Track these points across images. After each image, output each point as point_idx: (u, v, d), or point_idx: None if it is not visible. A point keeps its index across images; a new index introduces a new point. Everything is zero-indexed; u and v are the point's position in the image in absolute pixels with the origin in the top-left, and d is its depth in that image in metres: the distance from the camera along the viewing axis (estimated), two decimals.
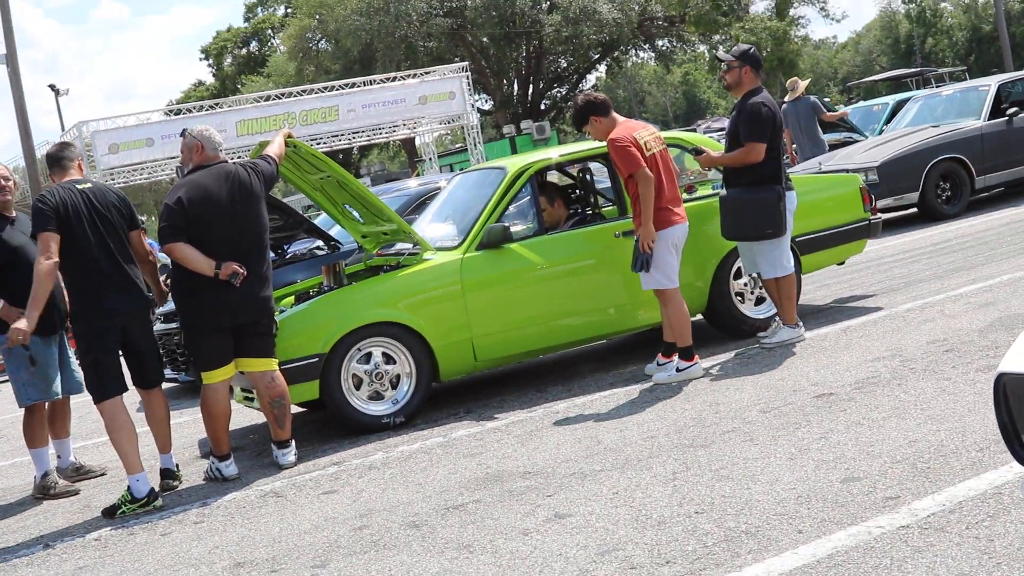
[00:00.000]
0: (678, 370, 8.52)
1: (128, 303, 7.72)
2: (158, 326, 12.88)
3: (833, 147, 19.13)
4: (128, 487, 7.55)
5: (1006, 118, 17.07)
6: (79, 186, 7.77)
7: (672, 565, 4.89)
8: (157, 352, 8.12)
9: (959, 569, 4.33)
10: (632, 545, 5.22)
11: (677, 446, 6.75)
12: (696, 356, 8.60)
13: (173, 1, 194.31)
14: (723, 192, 9.16)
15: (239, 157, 18.55)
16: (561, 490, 6.28)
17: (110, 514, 7.46)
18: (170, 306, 12.52)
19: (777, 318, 9.35)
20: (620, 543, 5.27)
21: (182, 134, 8.24)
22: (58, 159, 8.05)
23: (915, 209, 16.75)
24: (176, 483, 8.00)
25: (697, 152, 9.37)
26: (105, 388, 7.67)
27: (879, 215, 10.72)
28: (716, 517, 5.39)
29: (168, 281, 8.20)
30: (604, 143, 8.81)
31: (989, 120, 17.11)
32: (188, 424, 10.40)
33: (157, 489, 7.70)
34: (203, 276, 7.68)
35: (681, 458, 6.48)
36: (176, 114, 34.74)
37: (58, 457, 8.84)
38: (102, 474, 8.74)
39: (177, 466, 8.09)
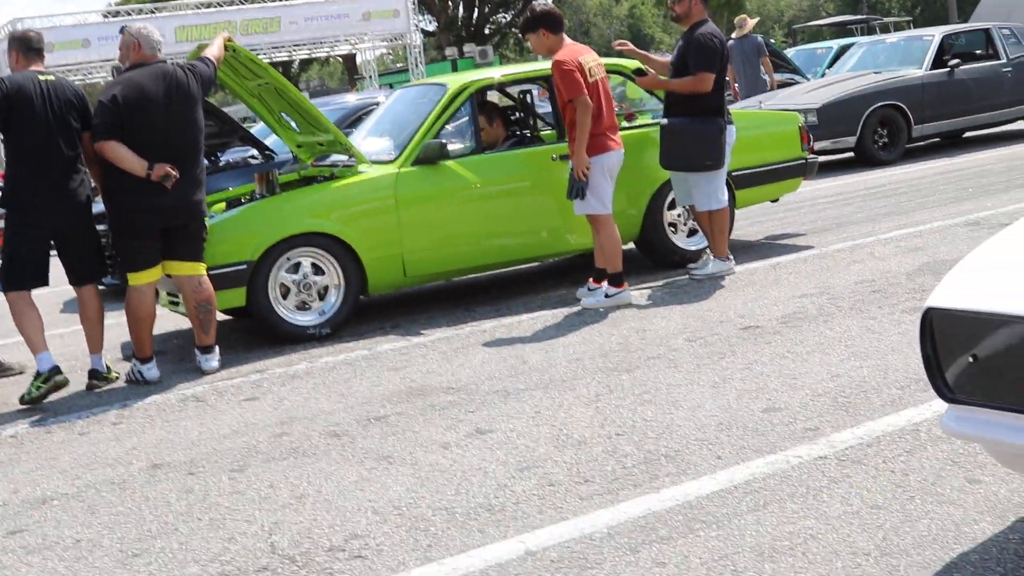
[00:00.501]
0: (607, 296, 8.52)
1: (65, 203, 7.61)
2: None
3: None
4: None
5: (947, 69, 17.15)
6: (41, 77, 7.63)
7: (590, 484, 4.90)
8: (93, 251, 7.98)
9: (873, 500, 4.37)
10: (551, 463, 5.23)
11: (601, 369, 6.76)
12: (626, 283, 8.59)
13: None
14: (664, 121, 9.13)
15: (178, 61, 18.32)
16: (484, 407, 6.27)
17: (25, 401, 7.41)
18: (99, 207, 12.38)
19: (708, 250, 9.36)
20: (540, 460, 5.28)
21: (121, 31, 8.08)
22: (36, 47, 7.86)
23: (852, 153, 16.82)
24: (102, 384, 7.89)
25: (640, 73, 9.33)
26: (16, 279, 7.63)
27: (815, 155, 10.75)
28: (636, 440, 5.41)
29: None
30: (547, 66, 8.74)
31: (931, 70, 17.18)
32: (112, 327, 10.20)
33: (85, 389, 7.64)
34: (134, 176, 7.55)
35: (605, 381, 6.49)
36: (115, 16, 34.21)
37: None
38: (20, 372, 8.62)
39: (108, 368, 7.97)
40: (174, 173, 7.54)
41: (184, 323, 9.46)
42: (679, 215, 9.75)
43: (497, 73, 9.88)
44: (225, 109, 24.30)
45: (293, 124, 9.85)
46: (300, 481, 5.40)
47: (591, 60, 8.61)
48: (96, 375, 7.93)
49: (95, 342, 7.93)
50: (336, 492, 5.18)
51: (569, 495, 4.80)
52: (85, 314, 7.92)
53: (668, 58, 9.69)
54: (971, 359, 3.55)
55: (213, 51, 8.33)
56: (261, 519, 4.95)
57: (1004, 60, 17.78)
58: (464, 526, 4.60)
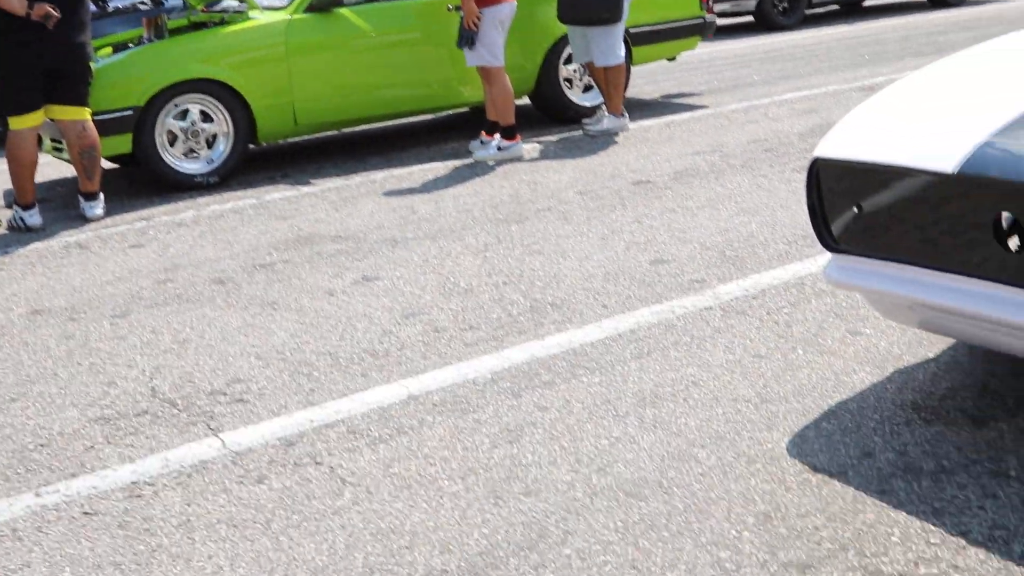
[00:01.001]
0: (499, 148, 8.45)
1: None
2: None
3: None
4: None
5: None
6: None
7: (476, 331, 4.88)
8: None
9: (756, 350, 4.40)
10: (437, 310, 5.20)
11: (491, 220, 6.73)
12: (518, 136, 8.53)
13: None
14: None
15: None
16: (371, 255, 6.21)
17: None
18: None
19: (603, 107, 9.31)
20: (425, 307, 5.25)
21: None
22: None
23: (751, 17, 16.79)
24: None
25: None
26: None
27: (714, 15, 10.69)
28: (523, 288, 5.39)
29: None
30: None
31: None
32: None
33: None
34: (14, 15, 7.31)
35: (494, 231, 6.46)
36: None
37: None
38: None
39: None
40: (55, 13, 7.32)
41: (69, 171, 9.27)
42: (575, 70, 9.67)
43: None
44: None
45: None
46: (183, 327, 5.32)
47: None
48: None
49: None
50: (219, 337, 5.12)
51: (454, 341, 4.78)
52: None
53: None
54: (855, 210, 3.57)
55: None
56: (142, 364, 4.88)
57: None
58: (347, 370, 4.56)
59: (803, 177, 6.81)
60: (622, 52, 9.02)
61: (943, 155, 3.28)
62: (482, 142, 8.61)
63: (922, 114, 3.70)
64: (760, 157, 7.76)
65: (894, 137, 3.56)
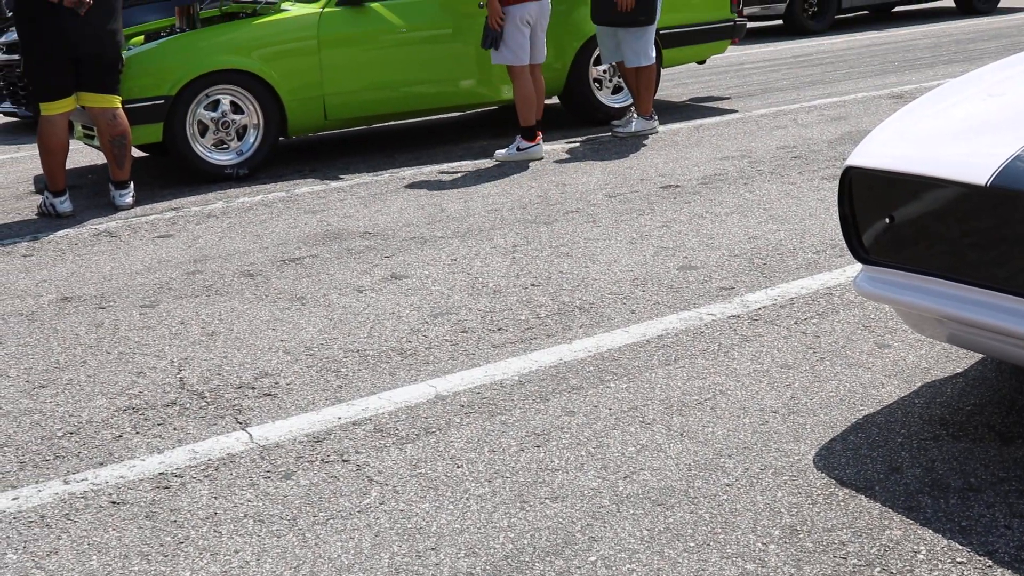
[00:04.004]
0: (519, 149, 8.45)
1: None
2: None
3: None
4: None
5: None
6: None
7: (504, 332, 4.90)
8: None
9: (783, 360, 4.40)
10: (466, 310, 5.21)
11: (520, 220, 6.74)
12: (539, 137, 8.53)
13: None
14: None
15: None
16: (400, 252, 6.23)
17: None
18: (13, 36, 12.07)
19: (632, 108, 9.31)
20: (454, 307, 5.27)
21: None
22: None
23: (781, 21, 16.77)
24: None
25: None
26: None
27: (744, 18, 10.69)
28: (552, 291, 5.40)
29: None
30: None
31: None
32: (25, 159, 10.08)
33: None
34: (46, 2, 7.35)
35: (523, 232, 6.47)
36: None
37: None
38: None
39: None
40: (87, 0, 7.34)
41: (99, 158, 9.31)
42: (604, 71, 9.67)
43: None
44: None
45: None
46: (212, 319, 5.35)
47: None
48: None
49: None
50: (248, 331, 5.15)
51: (482, 342, 4.80)
52: None
53: None
54: (887, 220, 3.57)
55: None
56: (171, 355, 4.91)
57: None
58: (375, 368, 4.58)
59: (832, 185, 6.85)
60: (653, 53, 9.02)
61: (975, 167, 3.29)
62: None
63: (955, 126, 3.70)
64: (789, 164, 7.75)
65: (927, 148, 3.57)
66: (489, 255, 6.07)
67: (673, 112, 10.06)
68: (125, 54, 8.03)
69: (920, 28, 16.48)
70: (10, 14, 16.53)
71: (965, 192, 3.31)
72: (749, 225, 6.34)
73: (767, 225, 6.31)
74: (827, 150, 8.10)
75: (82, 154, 9.59)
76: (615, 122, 9.34)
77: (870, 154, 3.67)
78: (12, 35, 12.41)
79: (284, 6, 8.69)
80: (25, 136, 11.36)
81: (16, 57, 11.51)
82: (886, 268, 3.63)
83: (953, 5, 18.56)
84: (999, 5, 18.59)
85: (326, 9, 8.65)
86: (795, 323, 4.81)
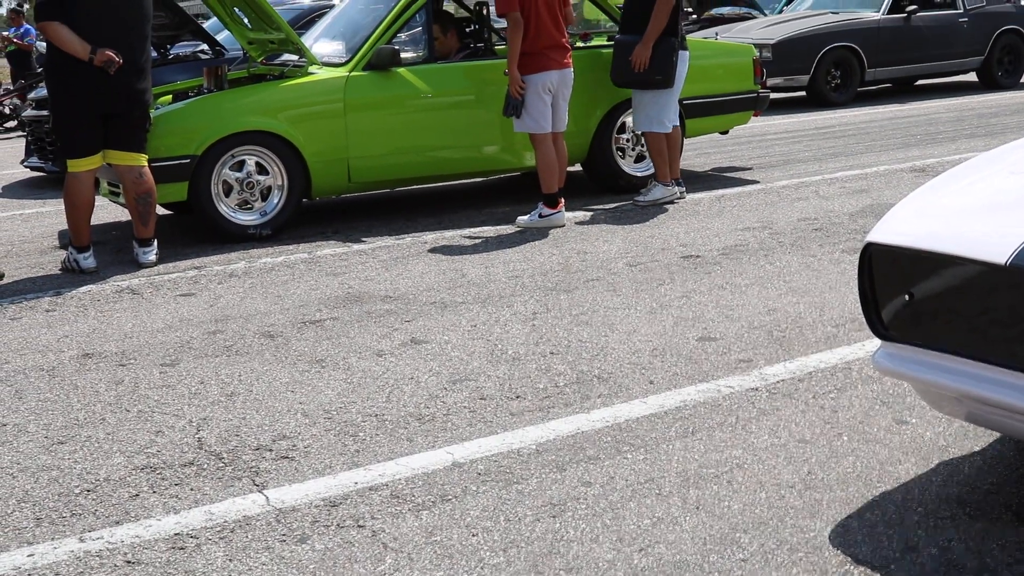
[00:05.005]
0: (540, 216, 8.48)
1: None
2: (28, 112, 12.56)
3: (732, 21, 19.13)
4: None
5: (904, 14, 17.19)
6: None
7: (522, 400, 4.91)
8: None
9: (801, 435, 4.40)
10: (484, 377, 5.23)
11: (540, 288, 6.76)
12: (561, 204, 8.55)
13: None
14: (618, 37, 9.08)
15: None
16: (420, 317, 6.25)
17: None
18: (43, 92, 12.21)
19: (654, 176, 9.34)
20: (473, 374, 5.28)
21: None
22: None
23: (804, 92, 16.84)
24: None
25: (629, 48, 8.99)
26: None
27: (768, 90, 10.74)
28: (571, 360, 5.41)
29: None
30: None
31: (888, 14, 17.20)
32: (51, 214, 10.17)
33: None
34: (77, 59, 7.43)
35: (543, 299, 6.49)
36: None
37: None
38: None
39: None
40: (117, 59, 7.43)
41: (124, 215, 9.38)
42: (628, 139, 9.71)
43: None
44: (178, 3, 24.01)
45: (245, 20, 9.74)
46: (231, 379, 5.37)
47: None
48: None
49: None
50: (267, 392, 5.16)
51: (500, 410, 4.81)
52: None
53: None
54: (907, 297, 3.57)
55: None
56: (190, 414, 4.93)
57: (961, 10, 17.85)
58: (393, 434, 4.59)
59: (852, 258, 6.86)
60: (670, 122, 9.03)
61: (995, 246, 3.30)
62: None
63: (976, 202, 3.71)
64: (810, 236, 7.77)
65: (947, 225, 3.58)
66: (509, 321, 6.09)
67: (695, 181, 10.10)
68: (153, 113, 8.12)
69: (943, 102, 16.54)
70: (40, 69, 16.73)
71: (984, 271, 3.32)
72: (769, 297, 6.35)
73: (787, 297, 6.32)
74: (848, 223, 8.12)
75: (106, 210, 9.67)
76: (638, 194, 9.32)
77: (890, 230, 3.68)
78: (42, 91, 12.56)
79: (311, 69, 8.77)
80: (51, 191, 11.46)
81: (45, 113, 11.63)
82: (905, 345, 3.63)
83: (975, 79, 18.63)
84: (1022, 80, 18.64)
85: (353, 73, 8.73)
86: (813, 397, 4.81)
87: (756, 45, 13.12)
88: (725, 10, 19.92)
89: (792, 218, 8.39)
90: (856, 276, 3.75)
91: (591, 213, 8.93)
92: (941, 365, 3.50)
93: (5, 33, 22.60)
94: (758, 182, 10.04)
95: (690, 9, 20.37)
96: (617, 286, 6.72)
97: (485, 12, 9.99)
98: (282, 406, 4.97)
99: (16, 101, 19.38)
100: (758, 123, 13.41)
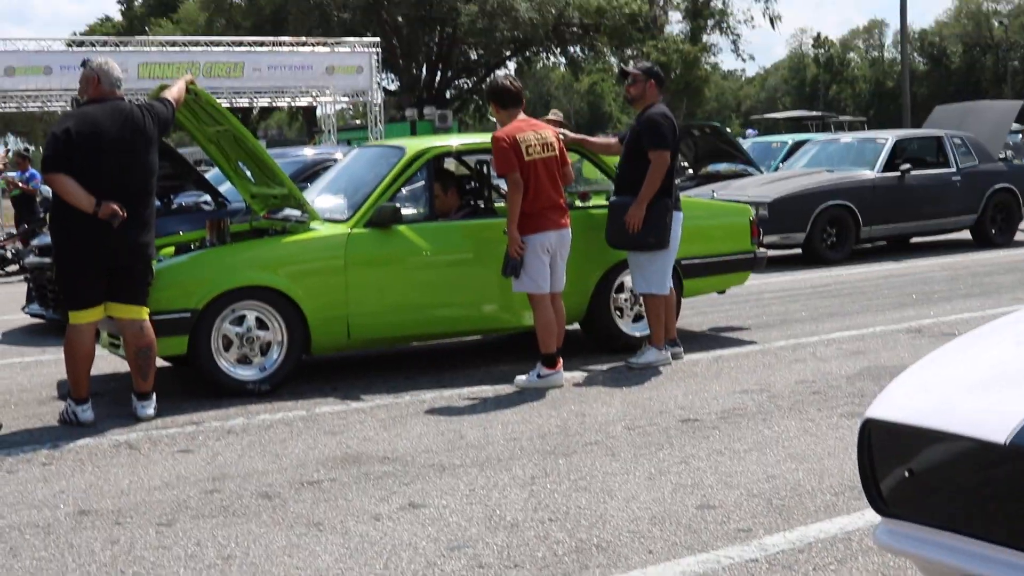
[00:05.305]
0: (539, 376, 8.50)
1: None
2: (31, 259, 12.67)
3: (728, 177, 19.36)
4: None
5: (899, 173, 17.40)
6: None
7: (520, 569, 4.88)
8: None
9: None
10: (483, 544, 5.20)
11: (539, 451, 6.75)
12: (559, 364, 8.58)
13: None
14: (613, 199, 9.20)
15: (138, 99, 18.23)
16: (418, 480, 6.24)
17: None
18: (46, 239, 12.33)
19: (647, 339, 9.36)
20: (471, 540, 5.26)
21: (83, 65, 8.06)
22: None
23: (799, 250, 16.98)
24: None
25: (623, 209, 9.06)
26: None
27: (765, 250, 10.84)
28: (569, 527, 5.39)
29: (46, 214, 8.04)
30: None
31: (882, 173, 17.42)
32: (50, 363, 10.19)
33: None
34: (82, 212, 7.52)
35: (541, 463, 6.48)
36: (79, 46, 34.13)
37: None
38: None
39: None
40: (122, 213, 7.51)
41: (122, 366, 9.39)
42: (626, 299, 9.77)
43: (455, 141, 9.95)
44: (181, 150, 24.37)
45: (249, 174, 9.86)
46: (228, 541, 5.35)
47: (533, 138, 8.58)
48: None
49: None
50: (264, 556, 5.14)
51: None
52: None
53: (610, 140, 9.86)
54: (907, 473, 3.58)
55: (173, 93, 8.32)
56: None
57: (954, 169, 18.09)
58: None
59: (851, 424, 6.88)
60: (665, 284, 9.10)
61: (994, 424, 3.31)
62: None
63: (977, 376, 3.73)
64: (808, 400, 7.79)
65: (946, 401, 3.60)
66: (508, 486, 6.08)
67: (692, 341, 10.14)
68: (155, 266, 8.18)
69: (937, 260, 16.68)
70: (43, 214, 16.95)
71: (983, 449, 3.34)
72: (768, 463, 6.34)
73: (786, 464, 6.32)
74: (846, 386, 8.15)
75: (105, 360, 9.68)
76: (632, 357, 9.36)
77: (889, 405, 3.70)
78: (45, 237, 12.67)
79: (313, 224, 8.86)
80: (51, 338, 11.49)
81: (47, 260, 11.74)
82: (906, 521, 3.63)
83: (970, 237, 18.80)
84: (1015, 238, 18.82)
85: (354, 230, 8.81)
86: (813, 569, 4.79)
87: (752, 203, 13.29)
88: (721, 167, 20.14)
89: (790, 381, 8.42)
90: (855, 443, 3.76)
91: (589, 373, 8.95)
92: (942, 543, 3.50)
93: (11, 176, 22.84)
94: (755, 342, 10.09)
95: (686, 164, 20.61)
96: (616, 450, 6.71)
97: (485, 170, 10.13)
98: (279, 571, 4.94)
99: (18, 245, 19.52)
100: (755, 281, 13.47)
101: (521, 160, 8.45)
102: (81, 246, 7.65)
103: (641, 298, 9.29)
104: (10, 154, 27.17)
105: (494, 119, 9.07)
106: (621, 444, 6.85)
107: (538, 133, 8.67)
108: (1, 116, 30.16)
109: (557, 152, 8.73)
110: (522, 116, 8.76)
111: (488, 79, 59.96)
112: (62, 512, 5.88)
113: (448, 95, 58.45)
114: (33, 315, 12.50)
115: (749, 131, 40.50)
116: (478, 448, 6.87)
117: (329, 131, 37.24)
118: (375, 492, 6.04)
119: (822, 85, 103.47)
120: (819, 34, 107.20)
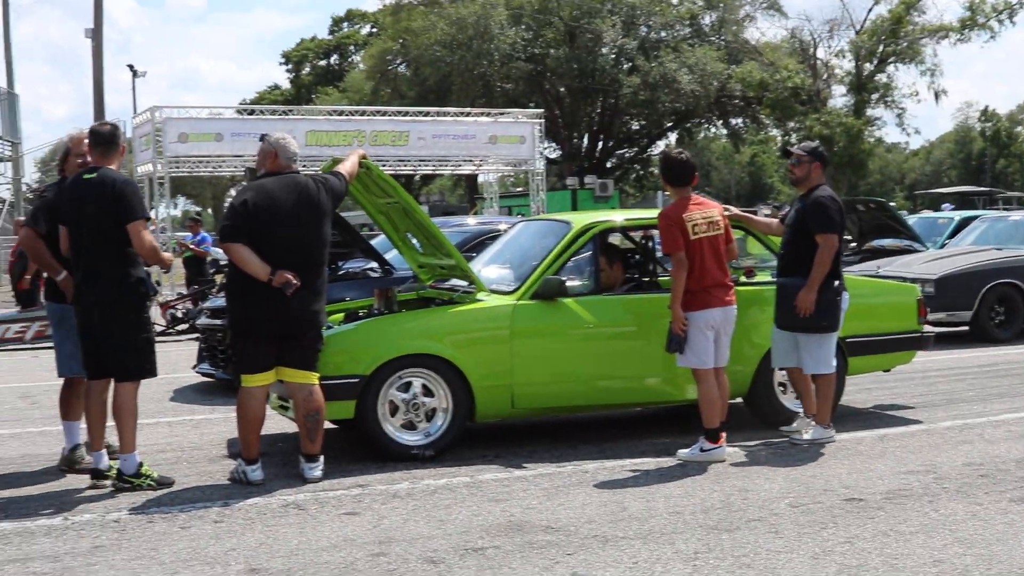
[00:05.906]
0: (702, 450, 8.50)
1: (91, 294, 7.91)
2: (203, 320, 13.05)
3: (893, 253, 19.11)
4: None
5: None
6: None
7: None
8: (119, 347, 7.92)
9: None
10: None
11: (702, 526, 6.75)
12: (722, 439, 8.57)
13: (257, 2, 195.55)
14: (781, 281, 9.17)
15: (304, 167, 18.64)
16: (581, 550, 6.28)
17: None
18: (217, 301, 12.72)
19: (804, 415, 9.30)
20: None
21: (261, 139, 8.36)
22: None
23: (966, 328, 16.69)
24: (103, 483, 8.04)
25: (791, 291, 9.03)
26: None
27: (932, 329, 10.70)
28: None
29: (222, 280, 8.31)
30: None
31: None
32: (220, 421, 10.48)
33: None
34: (256, 280, 7.76)
35: (705, 539, 6.48)
36: (249, 114, 35.17)
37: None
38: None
39: (110, 467, 8.10)
40: (295, 281, 7.73)
41: (291, 426, 9.61)
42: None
43: (620, 216, 10.03)
44: (345, 214, 24.90)
45: (416, 244, 10.07)
46: None
47: (699, 216, 8.64)
48: (97, 474, 8.11)
49: (96, 438, 8.14)
50: None
51: None
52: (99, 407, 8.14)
53: (772, 220, 9.85)
54: None
55: (347, 166, 8.58)
56: None
57: None
58: None
59: (1020, 508, 6.78)
60: (834, 362, 9.09)
61: None
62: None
63: None
64: (976, 483, 7.66)
65: None
66: (671, 560, 6.08)
67: (857, 419, 10.04)
68: (325, 332, 8.38)
69: None
70: (212, 272, 17.49)
71: None
72: (935, 547, 6.25)
73: (953, 548, 6.22)
74: (1015, 470, 7.99)
75: (273, 421, 9.89)
76: (785, 428, 9.33)
77: None
78: (217, 300, 13.07)
79: (479, 295, 9.00)
80: (221, 397, 11.82)
81: (218, 322, 12.10)
82: None
83: None
84: None
85: (520, 302, 8.94)
86: None
87: (919, 280, 13.14)
88: (886, 242, 19.88)
89: (957, 462, 8.28)
90: None
91: (751, 449, 8.91)
92: None
93: (182, 239, 23.56)
94: (921, 422, 9.95)
95: (849, 238, 20.38)
96: (780, 528, 6.68)
97: (650, 245, 10.19)
98: None
99: (189, 305, 20.09)
100: (921, 359, 13.25)
101: (687, 239, 8.51)
102: (255, 313, 7.89)
103: (814, 380, 9.18)
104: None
105: (666, 192, 9.14)
106: (785, 522, 6.81)
107: (704, 212, 8.72)
108: (172, 179, 30.95)
109: (722, 230, 8.76)
110: (691, 194, 8.79)
111: (652, 149, 60.42)
112: (233, 570, 6.04)
113: (609, 164, 58.75)
114: (203, 374, 12.87)
115: (945, 205, 39.86)
116: (641, 520, 6.89)
117: (491, 198, 37.70)
118: (539, 561, 6.09)
119: (989, 159, 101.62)
120: (986, 107, 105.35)
